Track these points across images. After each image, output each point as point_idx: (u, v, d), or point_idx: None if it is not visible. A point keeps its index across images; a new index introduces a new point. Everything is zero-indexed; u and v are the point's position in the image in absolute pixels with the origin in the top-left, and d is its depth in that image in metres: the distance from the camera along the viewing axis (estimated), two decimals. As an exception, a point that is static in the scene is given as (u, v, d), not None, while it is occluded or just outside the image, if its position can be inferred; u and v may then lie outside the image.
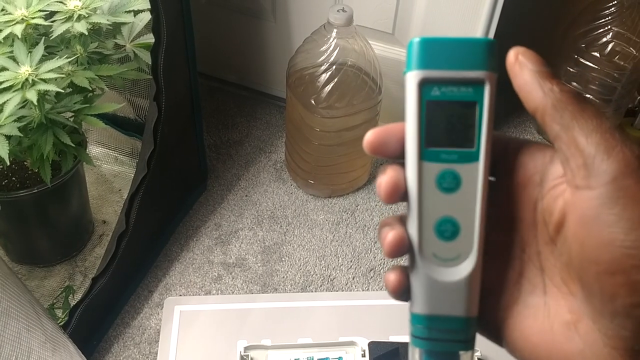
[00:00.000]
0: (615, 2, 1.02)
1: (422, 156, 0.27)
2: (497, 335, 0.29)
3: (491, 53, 0.27)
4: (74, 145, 0.77)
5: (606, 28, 1.03)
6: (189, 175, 1.04)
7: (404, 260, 0.30)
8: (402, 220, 0.29)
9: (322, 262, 0.99)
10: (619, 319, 0.24)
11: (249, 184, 1.10)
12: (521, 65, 0.26)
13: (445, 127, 0.27)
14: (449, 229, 0.28)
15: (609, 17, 1.03)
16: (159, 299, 0.93)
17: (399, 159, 0.28)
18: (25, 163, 0.86)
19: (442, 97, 0.27)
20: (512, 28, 1.08)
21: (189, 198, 1.05)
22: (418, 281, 0.28)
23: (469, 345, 0.28)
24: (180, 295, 0.93)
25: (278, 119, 1.21)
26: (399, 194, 0.28)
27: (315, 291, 0.95)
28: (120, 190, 1.05)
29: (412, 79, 0.27)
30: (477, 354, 0.83)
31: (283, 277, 0.97)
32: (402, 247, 0.28)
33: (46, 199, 0.86)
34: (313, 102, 0.96)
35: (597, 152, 0.24)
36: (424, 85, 0.27)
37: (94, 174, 1.07)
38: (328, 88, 0.95)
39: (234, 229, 1.02)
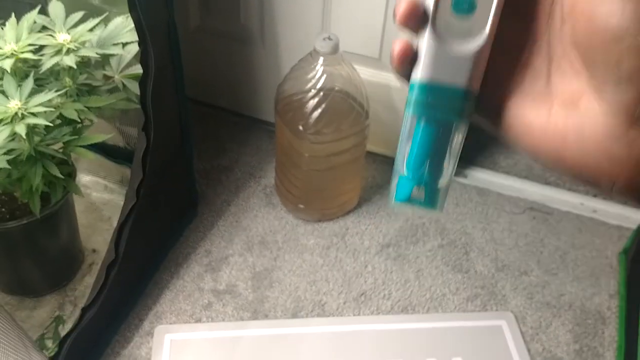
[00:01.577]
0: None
1: None
2: (494, 118, 0.30)
3: None
4: (62, 177, 0.77)
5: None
6: (179, 202, 1.05)
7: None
8: None
9: (313, 287, 0.99)
10: (622, 85, 0.25)
11: (239, 210, 1.10)
12: None
13: None
14: (466, 3, 0.28)
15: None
16: (150, 328, 0.92)
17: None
18: (14, 194, 0.86)
19: None
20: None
21: (179, 225, 1.05)
22: (426, 47, 0.28)
23: (465, 119, 0.29)
24: (171, 324, 0.93)
25: (268, 144, 1.22)
26: None
27: (306, 317, 0.95)
28: (110, 218, 1.06)
29: None
30: None
31: (274, 303, 0.97)
32: (415, 12, 0.28)
33: (36, 230, 0.86)
34: (301, 128, 0.96)
35: None
36: None
37: (84, 203, 1.07)
38: (316, 114, 0.96)
39: (224, 255, 1.03)
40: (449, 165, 0.30)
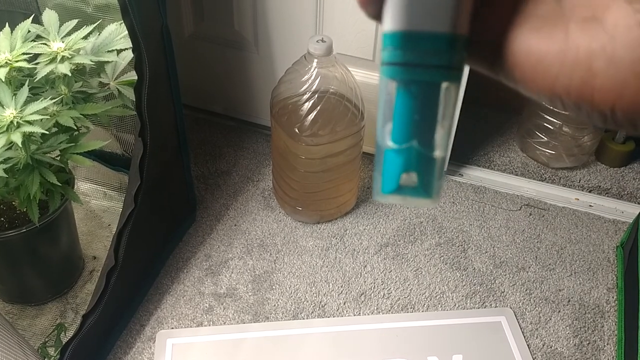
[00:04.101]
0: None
1: None
2: (493, 57, 0.23)
3: None
4: (60, 184, 0.78)
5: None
6: (178, 207, 1.05)
7: None
8: None
9: (313, 288, 0.99)
10: None
11: (238, 213, 1.10)
12: None
13: None
14: None
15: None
16: (151, 333, 0.93)
17: None
18: (13, 203, 0.86)
19: None
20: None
21: (178, 230, 1.05)
22: None
23: (454, 75, 0.23)
24: (172, 328, 0.94)
25: (265, 147, 1.22)
26: None
27: (307, 318, 0.96)
28: (109, 225, 1.06)
29: None
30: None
31: (274, 305, 0.97)
32: None
33: (35, 238, 0.86)
34: (297, 130, 0.97)
35: None
36: None
37: (83, 210, 1.07)
38: (311, 116, 0.96)
39: (224, 259, 1.03)
40: (445, 134, 0.23)
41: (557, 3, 0.22)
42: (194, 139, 1.23)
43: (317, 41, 0.92)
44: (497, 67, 0.23)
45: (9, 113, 0.70)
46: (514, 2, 0.23)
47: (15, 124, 0.69)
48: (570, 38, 0.21)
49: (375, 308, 0.97)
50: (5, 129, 0.69)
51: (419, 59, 0.22)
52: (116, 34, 0.80)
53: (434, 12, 0.22)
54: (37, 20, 0.80)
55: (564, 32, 0.21)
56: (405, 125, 0.23)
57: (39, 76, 0.74)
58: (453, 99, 0.23)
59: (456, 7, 0.22)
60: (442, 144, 0.23)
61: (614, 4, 0.21)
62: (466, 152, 1.22)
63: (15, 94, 0.72)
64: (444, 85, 0.23)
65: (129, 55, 0.82)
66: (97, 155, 1.05)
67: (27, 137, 0.72)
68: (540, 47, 0.22)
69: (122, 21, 0.76)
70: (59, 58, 0.74)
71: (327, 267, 1.03)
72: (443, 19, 0.22)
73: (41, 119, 0.71)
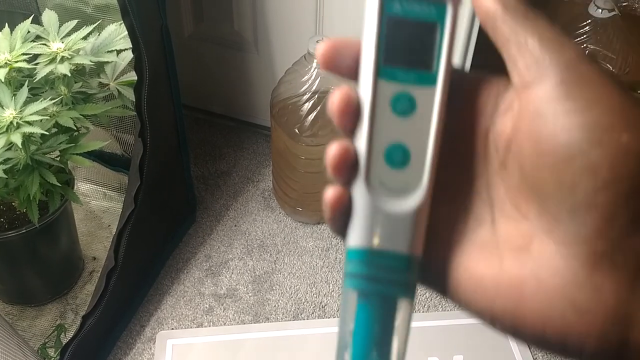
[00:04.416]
0: (590, 20, 1.04)
1: (379, 73, 0.25)
2: (440, 280, 0.26)
3: None
4: (60, 185, 0.78)
5: (582, 46, 1.06)
6: (178, 208, 1.05)
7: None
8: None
9: (313, 289, 0.99)
10: (579, 215, 0.22)
11: (238, 214, 1.10)
12: None
13: (404, 45, 0.26)
14: (399, 156, 0.25)
15: (584, 36, 1.05)
16: (151, 334, 0.93)
17: (352, 79, 0.26)
18: (13, 204, 0.86)
19: (403, 13, 0.26)
20: (490, 50, 1.10)
21: (178, 230, 1.05)
22: (360, 209, 0.25)
23: (409, 292, 0.26)
24: (173, 329, 0.93)
25: (265, 147, 1.22)
26: (351, 110, 0.25)
27: (307, 319, 0.95)
28: (109, 225, 1.06)
29: None
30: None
31: (275, 306, 0.97)
32: (347, 162, 0.25)
33: (35, 239, 0.86)
34: (297, 131, 0.97)
35: (549, 48, 0.23)
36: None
37: (83, 211, 1.07)
38: (311, 117, 0.96)
39: (224, 260, 1.03)
40: (401, 344, 0.26)
41: (492, 233, 0.25)
42: (194, 139, 1.22)
43: (317, 41, 0.92)
44: (445, 286, 0.26)
45: (9, 113, 0.69)
46: (457, 230, 0.26)
47: (15, 124, 0.69)
48: (504, 264, 0.24)
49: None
50: (5, 129, 0.69)
51: (379, 274, 0.25)
52: (116, 35, 0.80)
53: (395, 234, 0.25)
54: (37, 21, 0.80)
55: (498, 258, 0.24)
56: (364, 335, 0.25)
57: (38, 76, 0.74)
58: (408, 312, 0.26)
59: (414, 230, 0.25)
60: (399, 354, 0.26)
61: (537, 236, 0.23)
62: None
63: (14, 95, 0.72)
64: (400, 299, 0.25)
65: (128, 55, 0.82)
66: (97, 156, 1.05)
67: (27, 138, 0.72)
68: (479, 271, 0.24)
69: (122, 21, 0.76)
70: (58, 58, 0.74)
71: (327, 267, 1.02)
72: (402, 241, 0.25)
73: (41, 120, 0.71)
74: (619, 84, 0.23)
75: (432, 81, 0.26)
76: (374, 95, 0.25)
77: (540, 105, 0.23)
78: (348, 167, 0.25)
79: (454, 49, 0.27)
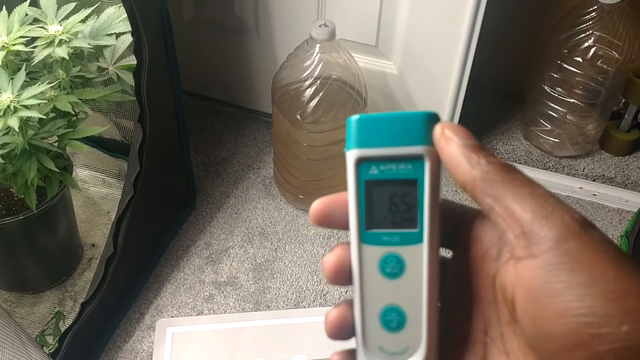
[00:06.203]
0: (596, 7, 1.03)
1: (363, 239, 0.26)
2: None
3: (431, 127, 0.25)
4: (58, 171, 0.76)
5: (588, 33, 1.04)
6: (177, 194, 1.04)
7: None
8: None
9: (315, 277, 0.98)
10: None
11: (238, 201, 1.09)
12: (447, 140, 0.25)
13: (386, 207, 0.26)
14: (394, 319, 0.25)
15: (590, 22, 1.04)
16: (151, 321, 0.92)
17: (348, 229, 0.27)
18: (11, 190, 0.85)
19: (380, 176, 0.26)
20: (494, 36, 1.09)
21: (178, 218, 1.04)
22: None
23: None
24: (172, 317, 0.93)
25: (265, 134, 1.21)
26: (343, 276, 0.26)
27: (309, 307, 0.95)
28: (108, 212, 1.05)
29: (350, 158, 0.26)
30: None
31: (275, 294, 0.96)
32: (344, 329, 0.26)
33: (33, 225, 0.85)
34: (299, 117, 0.96)
35: (535, 219, 0.23)
36: (361, 164, 0.26)
37: (82, 197, 1.06)
38: (313, 103, 0.95)
39: (224, 247, 1.02)
40: None
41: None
42: (194, 125, 1.21)
43: (319, 26, 0.91)
44: None
45: (6, 97, 0.68)
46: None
47: (12, 108, 0.68)
48: None
49: None
50: (2, 113, 0.68)
51: None
52: (115, 17, 0.79)
53: None
54: (35, 3, 0.78)
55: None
56: None
57: (36, 60, 0.73)
58: None
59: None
60: None
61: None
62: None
63: (12, 78, 0.70)
64: None
65: (128, 39, 0.81)
66: (96, 142, 1.03)
67: (25, 122, 0.70)
68: None
69: (121, 4, 0.74)
70: (56, 41, 0.73)
71: (328, 255, 1.01)
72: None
73: (38, 104, 0.70)
74: (615, 256, 0.22)
75: (418, 239, 0.25)
76: (361, 262, 0.26)
77: (533, 283, 0.22)
78: (346, 333, 0.26)
79: (438, 200, 0.26)
